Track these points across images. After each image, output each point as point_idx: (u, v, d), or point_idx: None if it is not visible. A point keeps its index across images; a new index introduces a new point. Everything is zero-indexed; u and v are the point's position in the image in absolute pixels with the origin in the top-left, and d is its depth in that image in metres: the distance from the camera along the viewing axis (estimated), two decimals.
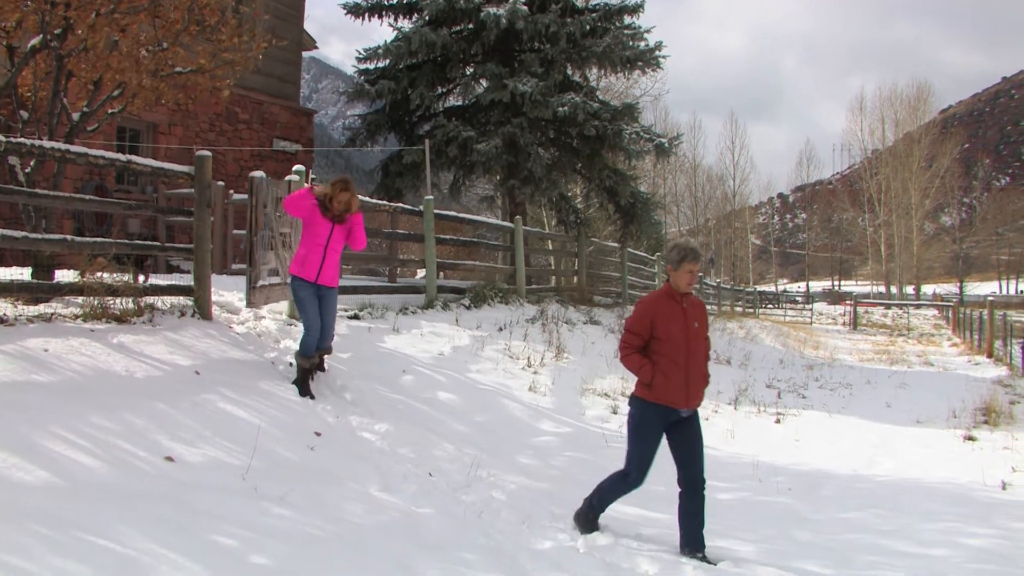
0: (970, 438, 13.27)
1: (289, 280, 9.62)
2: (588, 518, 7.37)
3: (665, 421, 6.93)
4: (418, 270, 29.77)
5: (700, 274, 40.53)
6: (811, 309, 65.63)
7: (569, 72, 24.93)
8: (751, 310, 55.43)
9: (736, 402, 15.50)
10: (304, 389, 9.29)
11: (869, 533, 8.31)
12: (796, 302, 79.46)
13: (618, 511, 7.71)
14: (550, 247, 29.87)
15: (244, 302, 11.49)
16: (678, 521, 7.05)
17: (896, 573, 7.02)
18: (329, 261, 9.41)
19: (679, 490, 7.12)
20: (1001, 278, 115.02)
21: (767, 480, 10.26)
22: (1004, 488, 10.31)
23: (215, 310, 11.08)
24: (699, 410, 7.19)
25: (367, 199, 17.57)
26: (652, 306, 6.87)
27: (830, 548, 7.79)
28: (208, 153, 10.90)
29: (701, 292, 42.45)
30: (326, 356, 10.18)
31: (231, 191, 18.81)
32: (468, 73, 24.48)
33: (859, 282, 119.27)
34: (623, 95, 37.71)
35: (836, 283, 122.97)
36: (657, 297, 6.96)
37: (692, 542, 6.94)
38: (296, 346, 9.92)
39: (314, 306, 9.37)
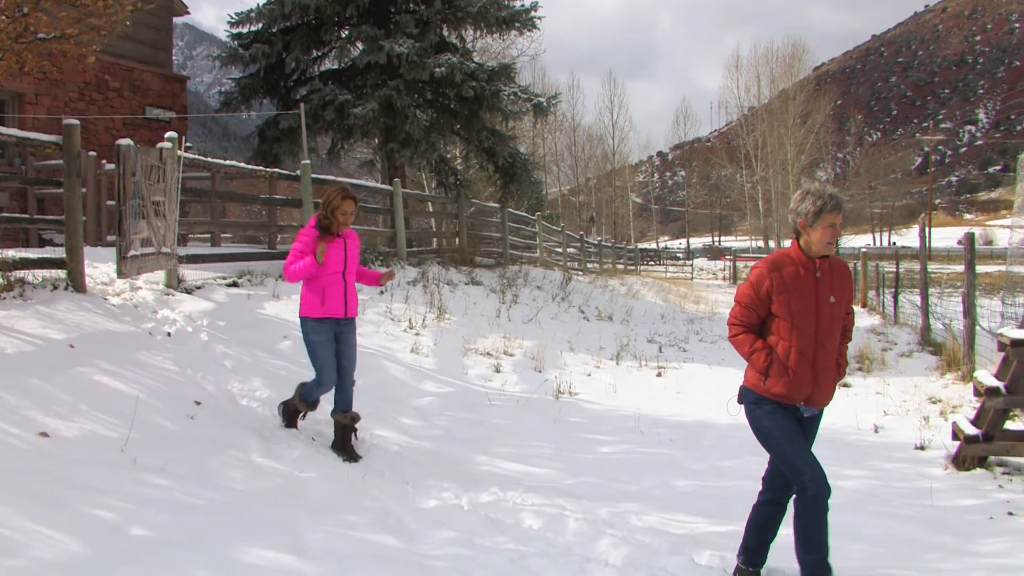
0: (845, 384, 13.65)
1: (299, 319, 8.17)
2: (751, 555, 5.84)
3: (790, 414, 5.45)
4: None
5: (586, 235, 40.57)
6: (692, 265, 66.83)
7: (445, 33, 24.84)
8: (632, 267, 56.16)
9: (618, 357, 15.71)
10: (290, 422, 8.35)
11: (748, 479, 8.48)
12: (677, 258, 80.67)
13: (502, 468, 7.79)
14: (431, 209, 29.82)
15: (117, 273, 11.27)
16: (794, 538, 5.44)
17: None
18: (351, 289, 8.23)
19: (794, 501, 5.45)
20: (874, 230, 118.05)
21: (649, 432, 10.45)
22: (876, 431, 10.71)
23: (89, 282, 10.87)
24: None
25: (243, 165, 17.37)
26: (770, 273, 5.33)
27: (710, 495, 7.99)
28: (76, 122, 10.65)
29: (583, 251, 42.70)
30: (356, 423, 8.35)
31: (104, 161, 18.34)
32: (343, 36, 24.23)
33: (738, 237, 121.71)
34: (500, 56, 37.67)
35: (716, 239, 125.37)
36: (779, 260, 5.39)
37: (812, 566, 5.33)
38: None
39: (331, 353, 8.07)
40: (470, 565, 5.57)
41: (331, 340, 8.05)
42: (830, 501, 5.17)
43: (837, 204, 5.21)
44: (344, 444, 8.10)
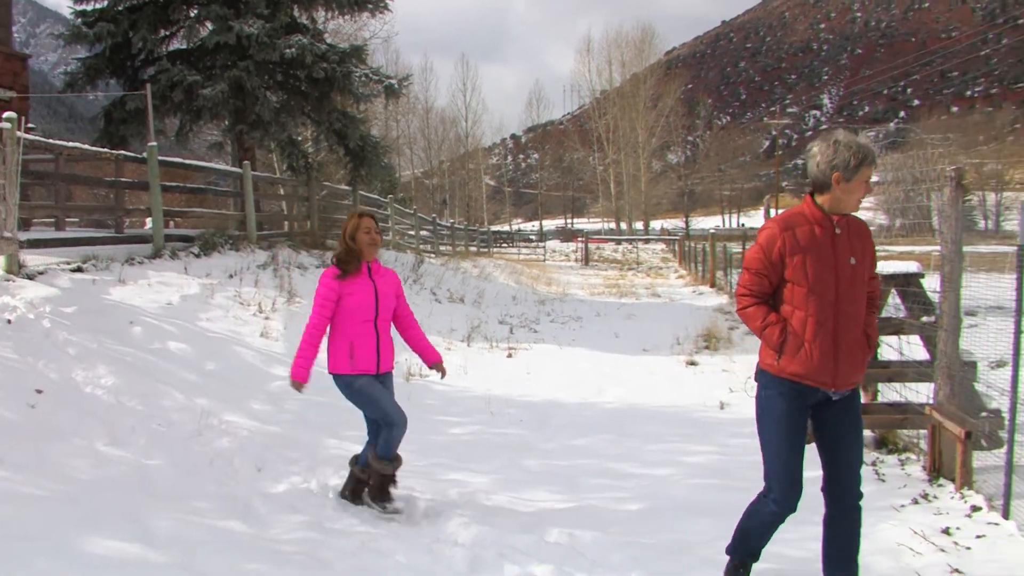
0: (692, 363, 14.03)
1: (335, 378, 7.06)
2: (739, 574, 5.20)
3: (804, 403, 4.77)
4: (147, 219, 28.99)
5: (438, 218, 40.50)
6: (544, 247, 67.27)
7: (296, 14, 24.55)
8: (486, 249, 56.37)
9: (469, 338, 15.84)
10: (384, 496, 6.87)
11: (597, 458, 8.72)
12: (530, 240, 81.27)
13: (352, 451, 7.79)
14: (282, 192, 29.58)
15: None
16: (821, 549, 5.01)
17: (621, 493, 7.42)
18: (385, 339, 6.95)
19: (824, 506, 4.95)
20: (723, 212, 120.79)
21: (499, 413, 10.58)
22: (722, 408, 11.07)
23: None
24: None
25: (88, 147, 17.00)
26: (782, 232, 4.70)
27: (560, 474, 8.15)
28: None
29: (436, 234, 42.72)
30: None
31: None
32: (192, 15, 23.73)
33: (591, 219, 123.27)
34: (352, 37, 37.48)
35: (569, 221, 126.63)
36: (792, 219, 4.77)
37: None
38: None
39: (383, 391, 6.87)
40: (320, 548, 5.61)
41: (375, 379, 6.87)
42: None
43: (875, 157, 4.65)
44: (379, 492, 6.89)
